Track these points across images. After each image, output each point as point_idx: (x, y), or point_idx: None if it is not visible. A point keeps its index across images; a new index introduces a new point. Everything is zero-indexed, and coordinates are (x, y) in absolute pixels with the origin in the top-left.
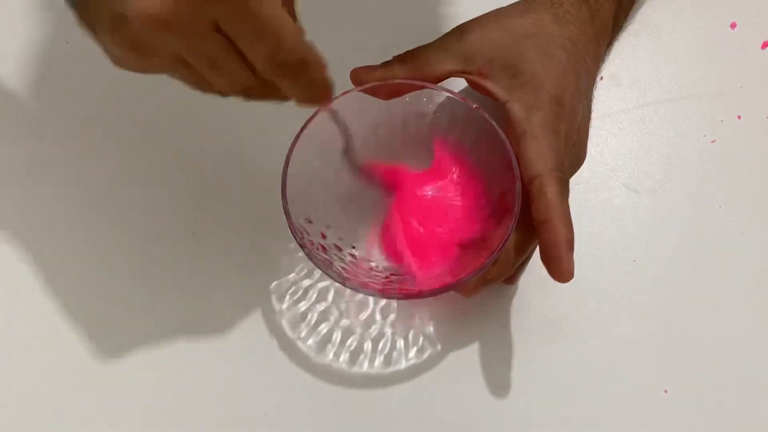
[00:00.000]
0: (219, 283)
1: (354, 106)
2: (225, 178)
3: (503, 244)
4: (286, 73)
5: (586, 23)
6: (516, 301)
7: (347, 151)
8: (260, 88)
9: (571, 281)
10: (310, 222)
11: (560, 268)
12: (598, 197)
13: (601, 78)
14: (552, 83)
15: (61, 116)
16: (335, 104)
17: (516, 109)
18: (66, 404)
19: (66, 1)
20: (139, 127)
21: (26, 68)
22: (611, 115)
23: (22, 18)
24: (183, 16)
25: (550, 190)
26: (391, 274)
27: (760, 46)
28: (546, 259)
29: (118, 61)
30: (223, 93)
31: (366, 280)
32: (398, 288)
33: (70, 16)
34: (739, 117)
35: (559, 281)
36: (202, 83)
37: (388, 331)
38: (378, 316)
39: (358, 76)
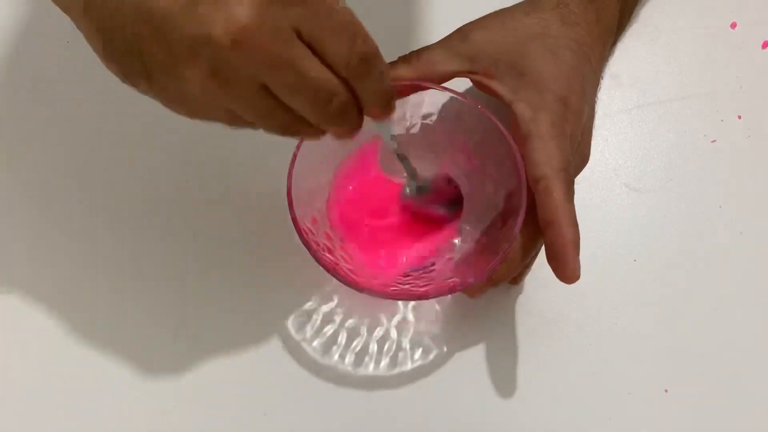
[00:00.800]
0: (221, 284)
1: None
2: (227, 177)
3: (510, 246)
4: (366, 65)
5: (592, 24)
6: (517, 302)
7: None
8: (338, 99)
9: (576, 281)
10: (315, 223)
11: (566, 270)
12: (598, 197)
13: (602, 78)
14: (558, 84)
15: (60, 117)
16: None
17: (522, 109)
18: (66, 404)
19: (102, 53)
20: (140, 127)
21: (26, 68)
22: (611, 115)
23: (21, 18)
24: (269, 25)
25: (557, 191)
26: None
27: (760, 46)
28: (552, 260)
29: (187, 101)
30: (293, 127)
31: (372, 280)
32: (403, 289)
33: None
34: (739, 117)
35: (565, 282)
36: (276, 115)
37: (394, 332)
38: (383, 318)
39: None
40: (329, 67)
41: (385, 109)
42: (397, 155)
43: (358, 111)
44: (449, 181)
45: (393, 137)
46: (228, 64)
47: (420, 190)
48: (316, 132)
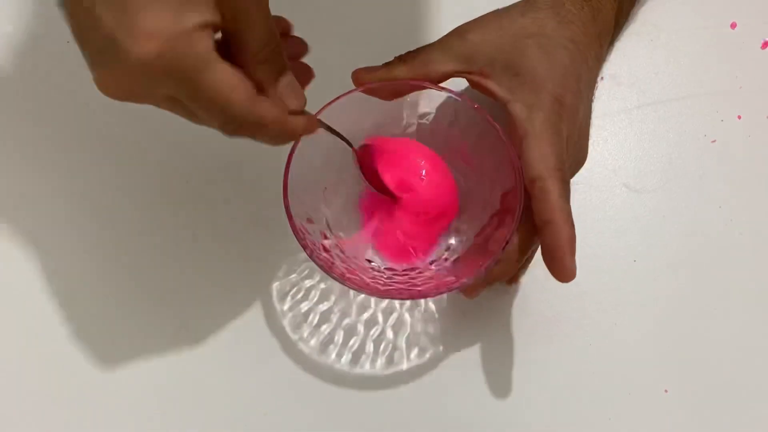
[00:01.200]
0: (220, 284)
1: (356, 106)
2: (226, 179)
3: (506, 245)
4: (245, 133)
5: (588, 23)
6: (516, 302)
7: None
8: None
9: (572, 281)
10: (311, 222)
11: (563, 269)
12: (598, 197)
13: (602, 78)
14: (553, 83)
15: (60, 117)
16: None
17: (517, 109)
18: (66, 405)
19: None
20: (140, 127)
21: (25, 68)
22: (611, 115)
23: (21, 18)
24: (137, 95)
25: (552, 190)
26: (393, 275)
27: (760, 46)
28: (548, 260)
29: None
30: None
31: (368, 280)
32: (400, 288)
33: None
34: (739, 117)
35: (561, 281)
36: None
37: (390, 331)
38: (380, 317)
39: (360, 77)
40: None
41: (279, 141)
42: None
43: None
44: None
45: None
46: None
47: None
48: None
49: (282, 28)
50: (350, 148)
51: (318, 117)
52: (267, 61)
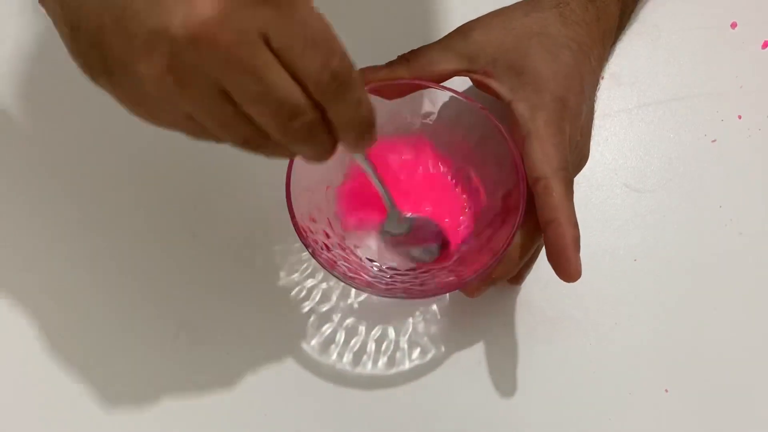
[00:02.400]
0: (221, 283)
1: None
2: (227, 177)
3: (508, 244)
4: (338, 85)
5: (592, 24)
6: (518, 301)
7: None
8: (303, 118)
9: (577, 281)
10: (313, 221)
11: (568, 268)
12: (598, 197)
13: (602, 78)
14: (556, 83)
15: (59, 117)
16: None
17: (520, 108)
18: (65, 405)
19: (69, 45)
20: (139, 127)
21: (25, 68)
22: (611, 115)
23: (20, 18)
24: (234, 26)
25: (556, 190)
26: (395, 274)
27: (760, 46)
28: (553, 259)
29: (143, 99)
30: (253, 140)
31: (370, 279)
32: (402, 287)
33: None
34: (739, 117)
35: (566, 281)
36: (236, 125)
37: (392, 331)
38: (382, 317)
39: (363, 76)
40: (298, 82)
41: (359, 140)
42: (382, 191)
43: (328, 134)
44: (430, 224)
45: (374, 171)
46: (185, 62)
47: (400, 228)
48: (283, 151)
49: None
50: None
51: None
52: None
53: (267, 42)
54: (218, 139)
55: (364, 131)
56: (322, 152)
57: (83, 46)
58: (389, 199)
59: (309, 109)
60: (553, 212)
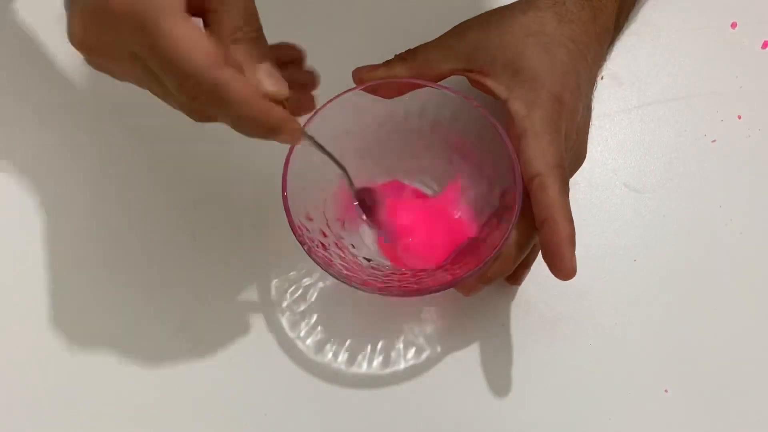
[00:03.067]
0: (220, 283)
1: (356, 105)
2: (224, 177)
3: (504, 242)
4: (205, 103)
5: (589, 23)
6: (516, 301)
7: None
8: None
9: (572, 281)
10: (310, 220)
11: (563, 266)
12: (598, 197)
13: (602, 78)
14: (553, 81)
15: (59, 117)
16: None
17: (517, 107)
18: (65, 405)
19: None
20: (139, 127)
21: (25, 68)
22: (611, 115)
23: (20, 17)
24: (104, 48)
25: (551, 187)
26: (391, 272)
27: (760, 46)
28: (548, 257)
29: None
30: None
31: (366, 278)
32: (398, 286)
33: None
34: (739, 117)
35: (561, 279)
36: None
37: (388, 330)
38: (378, 316)
39: (360, 76)
40: None
41: (265, 136)
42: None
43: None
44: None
45: (310, 139)
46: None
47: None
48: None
49: (293, 56)
50: (341, 169)
51: (307, 131)
52: (243, 41)
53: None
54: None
55: (263, 137)
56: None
57: None
58: (349, 181)
59: (196, 110)
60: (548, 210)
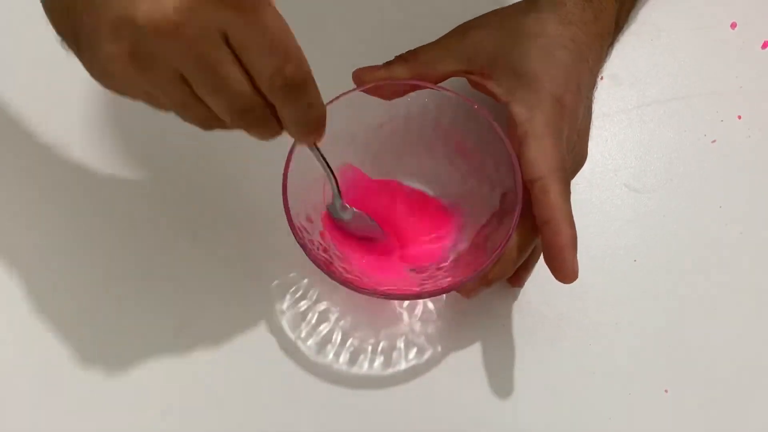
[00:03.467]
0: (220, 283)
1: (356, 106)
2: (225, 178)
3: (504, 245)
4: (290, 90)
5: (590, 24)
6: (516, 302)
7: (336, 196)
8: (254, 112)
9: (574, 281)
10: (310, 221)
11: (564, 269)
12: (598, 197)
13: (601, 78)
14: (554, 84)
15: (59, 118)
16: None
17: (518, 109)
18: (65, 406)
19: (44, 6)
20: (138, 127)
21: (25, 69)
22: (611, 115)
23: (19, 17)
24: (195, 21)
25: (553, 190)
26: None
27: (760, 46)
28: (549, 260)
29: (107, 75)
30: (208, 122)
31: (365, 280)
32: (398, 289)
33: None
34: (739, 117)
35: (563, 282)
36: (192, 107)
37: (389, 331)
38: (378, 318)
39: (361, 77)
40: (252, 80)
41: (304, 139)
42: (330, 178)
43: (278, 122)
44: (367, 220)
45: (323, 163)
46: (146, 49)
47: (344, 215)
48: (234, 128)
49: None
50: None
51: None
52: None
53: (227, 40)
54: (178, 115)
55: (311, 132)
56: (270, 136)
57: (57, 16)
58: (335, 186)
59: (258, 105)
60: (550, 212)
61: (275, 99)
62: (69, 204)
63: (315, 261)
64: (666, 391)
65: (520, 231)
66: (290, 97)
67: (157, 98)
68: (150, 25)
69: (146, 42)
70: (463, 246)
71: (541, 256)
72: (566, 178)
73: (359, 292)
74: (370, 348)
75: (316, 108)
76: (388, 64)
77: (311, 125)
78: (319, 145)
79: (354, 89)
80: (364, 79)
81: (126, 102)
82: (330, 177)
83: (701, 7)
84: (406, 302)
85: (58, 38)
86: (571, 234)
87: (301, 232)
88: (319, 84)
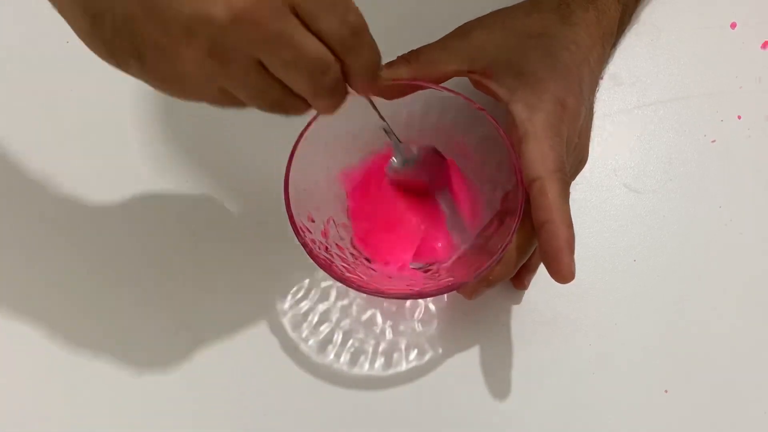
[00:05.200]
0: (220, 283)
1: (358, 106)
2: (227, 177)
3: (506, 246)
4: (356, 36)
5: (592, 25)
6: (516, 302)
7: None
8: (330, 74)
9: (571, 282)
10: (312, 221)
11: (561, 270)
12: (598, 197)
13: (602, 78)
14: (555, 85)
15: (59, 118)
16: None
17: (518, 109)
18: (65, 405)
19: (80, 32)
20: (138, 127)
21: (25, 69)
22: (611, 115)
23: (20, 18)
24: (267, 2)
25: (551, 190)
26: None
27: (760, 46)
28: (547, 261)
29: (181, 81)
30: (283, 104)
31: (366, 279)
32: (399, 288)
33: None
34: (739, 117)
35: (560, 282)
36: (269, 91)
37: (389, 332)
38: (379, 318)
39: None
40: (322, 41)
41: (373, 81)
42: (384, 129)
43: (344, 83)
44: (434, 151)
45: (378, 113)
46: (227, 43)
47: (407, 163)
48: (304, 107)
49: None
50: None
51: (308, 135)
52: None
53: (294, 11)
54: (244, 106)
55: (376, 75)
56: (338, 102)
57: (108, 34)
58: (394, 135)
59: (334, 63)
60: (548, 213)
61: (347, 50)
62: (69, 204)
63: (316, 260)
64: (666, 391)
65: (520, 232)
66: (358, 42)
67: (229, 94)
68: (228, 18)
69: (225, 35)
70: (463, 246)
71: None
72: (565, 180)
73: (360, 291)
74: (371, 349)
75: (375, 48)
76: (390, 64)
77: (375, 66)
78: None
79: None
80: None
81: (126, 101)
82: (386, 124)
83: (701, 7)
84: (408, 303)
85: (110, 62)
86: (568, 235)
87: (302, 231)
88: None
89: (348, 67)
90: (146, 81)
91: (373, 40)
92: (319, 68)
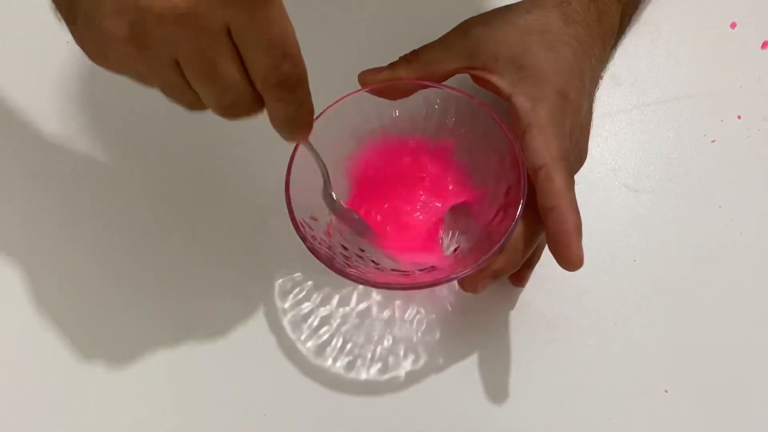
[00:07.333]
0: (221, 283)
1: (361, 106)
2: (228, 176)
3: (509, 234)
4: (283, 87)
5: (594, 24)
6: (516, 302)
7: (326, 186)
8: (241, 106)
9: (572, 281)
10: (315, 220)
11: (569, 255)
12: (598, 197)
13: (602, 78)
14: (558, 78)
15: (58, 117)
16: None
17: (521, 101)
18: (65, 405)
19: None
20: (138, 126)
21: (24, 69)
22: (611, 115)
23: (20, 18)
24: (202, 13)
25: (557, 178)
26: (393, 270)
27: (760, 46)
28: (554, 247)
29: (100, 51)
30: (193, 106)
31: (366, 270)
32: (399, 279)
33: None
34: (739, 117)
35: (568, 269)
36: (181, 90)
37: (388, 336)
38: (378, 322)
39: (365, 78)
40: (248, 72)
41: (290, 136)
42: (321, 168)
43: (263, 111)
44: (352, 214)
45: (314, 154)
46: (147, 31)
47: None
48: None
49: None
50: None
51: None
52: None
53: (229, 32)
54: (164, 94)
55: (297, 129)
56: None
57: None
58: (325, 177)
59: (247, 99)
60: (555, 199)
61: (267, 95)
62: (69, 203)
63: (316, 255)
64: (666, 391)
65: (525, 222)
66: (282, 94)
67: (146, 77)
68: (157, 10)
69: (149, 25)
70: (469, 240)
71: (544, 253)
72: (570, 169)
73: (358, 282)
74: (369, 353)
75: (305, 107)
76: (392, 65)
77: (298, 123)
78: (304, 143)
79: (358, 90)
80: (369, 80)
81: (127, 101)
82: (321, 167)
83: (701, 7)
84: (408, 306)
85: (51, 5)
86: (576, 220)
87: (302, 227)
88: (326, 85)
89: (268, 112)
90: (76, 43)
91: (307, 95)
92: (229, 98)
